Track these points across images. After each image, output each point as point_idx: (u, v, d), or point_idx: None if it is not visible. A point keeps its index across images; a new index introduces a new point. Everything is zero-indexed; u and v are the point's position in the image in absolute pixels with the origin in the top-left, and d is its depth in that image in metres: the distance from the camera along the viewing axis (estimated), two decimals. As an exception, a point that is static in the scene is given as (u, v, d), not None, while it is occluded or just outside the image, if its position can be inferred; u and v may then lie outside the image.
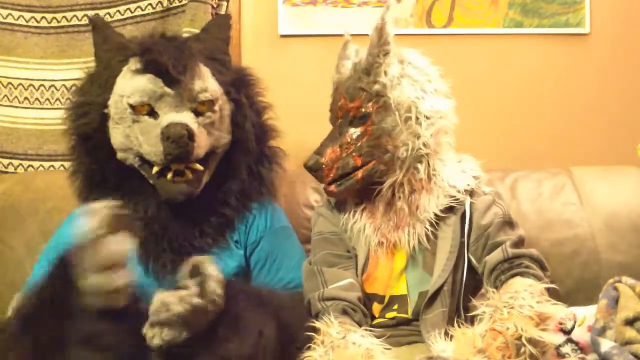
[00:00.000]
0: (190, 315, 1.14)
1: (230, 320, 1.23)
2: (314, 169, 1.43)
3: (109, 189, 1.45)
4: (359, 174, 1.41)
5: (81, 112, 1.45)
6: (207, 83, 1.44)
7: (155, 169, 1.40)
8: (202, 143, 1.40)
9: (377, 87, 1.39)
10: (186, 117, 1.39)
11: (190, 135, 1.35)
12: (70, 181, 1.51)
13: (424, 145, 1.38)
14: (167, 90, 1.39)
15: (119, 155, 1.44)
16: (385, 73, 1.39)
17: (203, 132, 1.41)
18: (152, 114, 1.40)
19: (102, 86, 1.44)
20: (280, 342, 1.28)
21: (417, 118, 1.38)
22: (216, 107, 1.45)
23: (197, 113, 1.42)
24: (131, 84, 1.40)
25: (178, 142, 1.34)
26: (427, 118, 1.39)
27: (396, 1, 1.42)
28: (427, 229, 1.38)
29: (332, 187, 1.43)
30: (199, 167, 1.41)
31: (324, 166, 1.42)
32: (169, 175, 1.39)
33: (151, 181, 1.43)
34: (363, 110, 1.40)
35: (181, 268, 1.24)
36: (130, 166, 1.44)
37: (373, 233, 1.41)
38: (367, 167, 1.41)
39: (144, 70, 1.39)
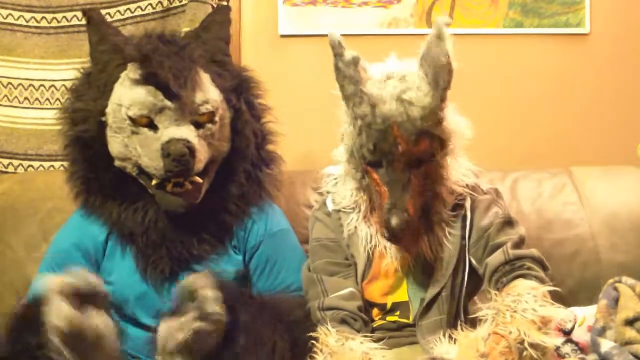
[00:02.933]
0: (194, 340, 1.15)
1: (245, 333, 1.23)
2: (401, 227, 1.24)
3: (107, 194, 1.44)
4: (415, 215, 1.30)
5: (79, 118, 1.42)
6: (207, 94, 1.41)
7: (154, 181, 1.39)
8: (202, 156, 1.38)
9: (441, 128, 1.30)
10: (186, 132, 1.36)
11: (191, 152, 1.34)
12: (68, 185, 1.49)
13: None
14: (168, 103, 1.36)
15: (117, 163, 1.41)
16: (445, 110, 1.31)
17: (203, 145, 1.39)
18: (152, 126, 1.38)
19: (99, 91, 1.41)
20: (294, 354, 1.28)
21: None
22: (216, 118, 1.43)
23: (198, 125, 1.39)
24: (130, 95, 1.37)
25: (179, 160, 1.33)
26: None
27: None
28: (445, 229, 1.36)
29: (406, 239, 1.31)
30: (198, 179, 1.39)
31: (410, 223, 1.26)
32: (168, 187, 1.37)
33: (150, 191, 1.42)
34: (432, 151, 1.29)
35: (176, 291, 1.23)
36: (129, 174, 1.42)
37: (392, 249, 1.37)
38: (420, 203, 1.32)
39: (143, 81, 1.36)
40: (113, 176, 1.43)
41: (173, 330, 1.15)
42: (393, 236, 1.27)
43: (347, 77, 1.28)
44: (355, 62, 1.28)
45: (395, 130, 1.25)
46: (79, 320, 1.12)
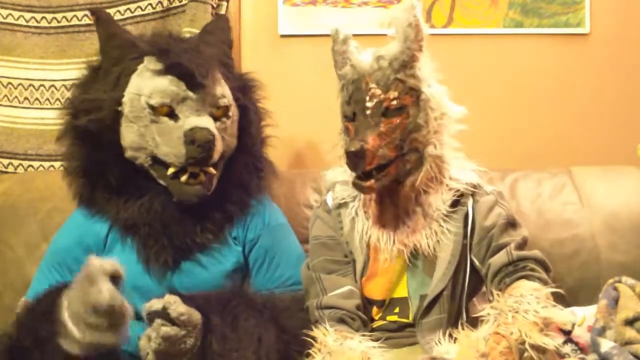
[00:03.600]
0: (167, 346, 1.17)
1: (229, 331, 1.24)
2: (359, 155, 1.30)
3: (112, 189, 1.44)
4: (392, 170, 1.36)
5: (92, 107, 1.42)
6: (224, 89, 1.46)
7: (171, 170, 1.40)
8: (219, 148, 1.41)
9: (414, 81, 1.36)
10: (207, 121, 1.40)
11: (213, 140, 1.37)
12: (68, 181, 1.49)
13: (447, 145, 1.39)
14: (190, 94, 1.40)
15: (129, 154, 1.42)
16: (421, 69, 1.37)
17: (219, 137, 1.42)
18: (172, 115, 1.40)
19: (113, 82, 1.42)
20: (281, 345, 1.29)
21: (442, 116, 1.38)
22: (230, 113, 1.47)
23: (214, 118, 1.43)
24: (151, 84, 1.40)
25: (204, 146, 1.36)
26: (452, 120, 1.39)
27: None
28: (442, 226, 1.37)
29: (372, 183, 1.34)
30: (212, 170, 1.42)
31: (368, 153, 1.31)
32: (183, 178, 1.40)
33: (161, 181, 1.43)
34: (400, 102, 1.35)
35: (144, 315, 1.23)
36: (137, 166, 1.43)
37: (388, 242, 1.38)
38: (398, 163, 1.36)
39: (166, 71, 1.39)
40: (120, 171, 1.43)
41: (145, 343, 1.18)
42: (352, 165, 1.32)
43: (338, 51, 1.43)
44: (345, 39, 1.43)
45: (367, 79, 1.36)
46: (120, 300, 1.14)
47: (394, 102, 1.35)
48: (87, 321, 1.14)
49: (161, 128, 1.40)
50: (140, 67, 1.42)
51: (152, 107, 1.39)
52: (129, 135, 1.41)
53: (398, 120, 1.35)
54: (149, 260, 1.42)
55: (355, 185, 1.36)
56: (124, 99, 1.41)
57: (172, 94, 1.39)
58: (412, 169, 1.37)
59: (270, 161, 1.60)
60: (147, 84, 1.40)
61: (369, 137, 1.32)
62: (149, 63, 1.41)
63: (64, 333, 1.17)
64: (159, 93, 1.39)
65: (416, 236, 1.37)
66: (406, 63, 1.35)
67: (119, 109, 1.41)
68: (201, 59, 1.41)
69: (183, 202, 1.41)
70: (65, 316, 1.18)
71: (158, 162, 1.42)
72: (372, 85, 1.36)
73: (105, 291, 1.12)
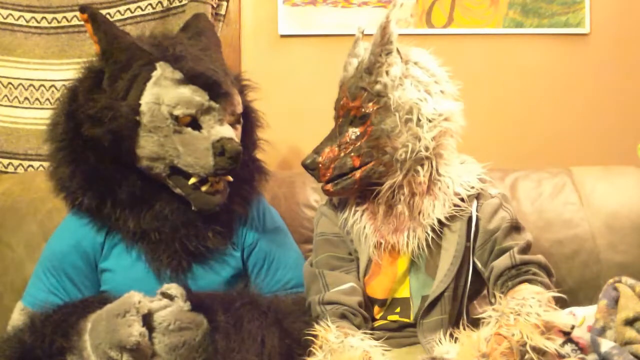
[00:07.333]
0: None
1: (233, 331, 1.24)
2: (310, 167, 1.40)
3: (121, 203, 1.39)
4: (357, 174, 1.38)
5: (104, 116, 1.34)
6: (238, 96, 1.44)
7: (192, 181, 1.38)
8: None
9: (378, 87, 1.36)
10: (230, 131, 1.39)
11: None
12: (66, 195, 1.43)
13: (425, 148, 1.35)
14: (213, 104, 1.37)
15: (145, 163, 1.38)
16: (387, 73, 1.36)
17: None
18: (194, 125, 1.37)
19: (124, 90, 1.35)
20: (284, 348, 1.28)
21: (418, 120, 1.35)
22: (241, 119, 1.46)
23: (230, 125, 1.42)
24: (173, 94, 1.35)
25: (235, 157, 1.34)
26: (429, 121, 1.35)
27: (399, 5, 1.38)
28: (429, 234, 1.36)
29: (329, 186, 1.41)
30: (230, 178, 1.41)
31: (320, 165, 1.39)
32: (205, 187, 1.38)
33: (178, 191, 1.40)
34: (363, 110, 1.37)
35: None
36: (146, 174, 1.39)
37: (372, 234, 1.40)
38: (366, 167, 1.38)
39: (187, 80, 1.36)
40: (130, 182, 1.38)
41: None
42: (308, 171, 1.42)
43: (350, 54, 1.45)
44: (356, 39, 1.45)
45: (344, 87, 1.41)
46: (146, 342, 1.18)
47: (357, 111, 1.38)
48: (108, 354, 1.16)
49: (185, 138, 1.36)
50: (155, 74, 1.36)
51: (175, 118, 1.35)
52: (147, 145, 1.36)
53: (363, 129, 1.38)
54: (160, 266, 1.40)
55: (321, 188, 1.43)
56: (142, 108, 1.34)
57: (197, 105, 1.35)
58: (388, 172, 1.38)
59: (261, 161, 1.59)
60: (168, 93, 1.35)
61: (325, 149, 1.40)
62: (165, 71, 1.36)
63: (79, 355, 1.18)
64: (183, 104, 1.34)
65: (397, 235, 1.38)
66: (370, 70, 1.37)
67: (137, 118, 1.35)
68: (217, 66, 1.39)
69: (203, 211, 1.39)
70: (86, 339, 1.20)
71: (177, 172, 1.39)
72: (345, 93, 1.40)
73: (136, 334, 1.15)
